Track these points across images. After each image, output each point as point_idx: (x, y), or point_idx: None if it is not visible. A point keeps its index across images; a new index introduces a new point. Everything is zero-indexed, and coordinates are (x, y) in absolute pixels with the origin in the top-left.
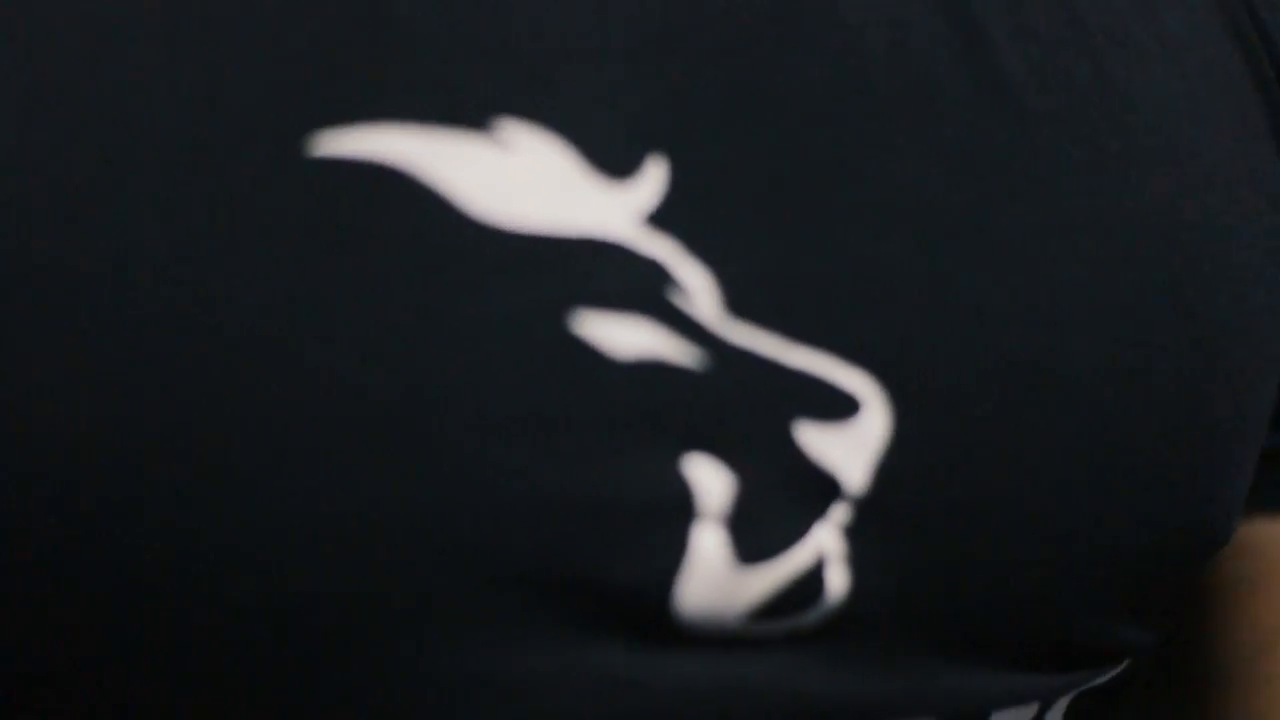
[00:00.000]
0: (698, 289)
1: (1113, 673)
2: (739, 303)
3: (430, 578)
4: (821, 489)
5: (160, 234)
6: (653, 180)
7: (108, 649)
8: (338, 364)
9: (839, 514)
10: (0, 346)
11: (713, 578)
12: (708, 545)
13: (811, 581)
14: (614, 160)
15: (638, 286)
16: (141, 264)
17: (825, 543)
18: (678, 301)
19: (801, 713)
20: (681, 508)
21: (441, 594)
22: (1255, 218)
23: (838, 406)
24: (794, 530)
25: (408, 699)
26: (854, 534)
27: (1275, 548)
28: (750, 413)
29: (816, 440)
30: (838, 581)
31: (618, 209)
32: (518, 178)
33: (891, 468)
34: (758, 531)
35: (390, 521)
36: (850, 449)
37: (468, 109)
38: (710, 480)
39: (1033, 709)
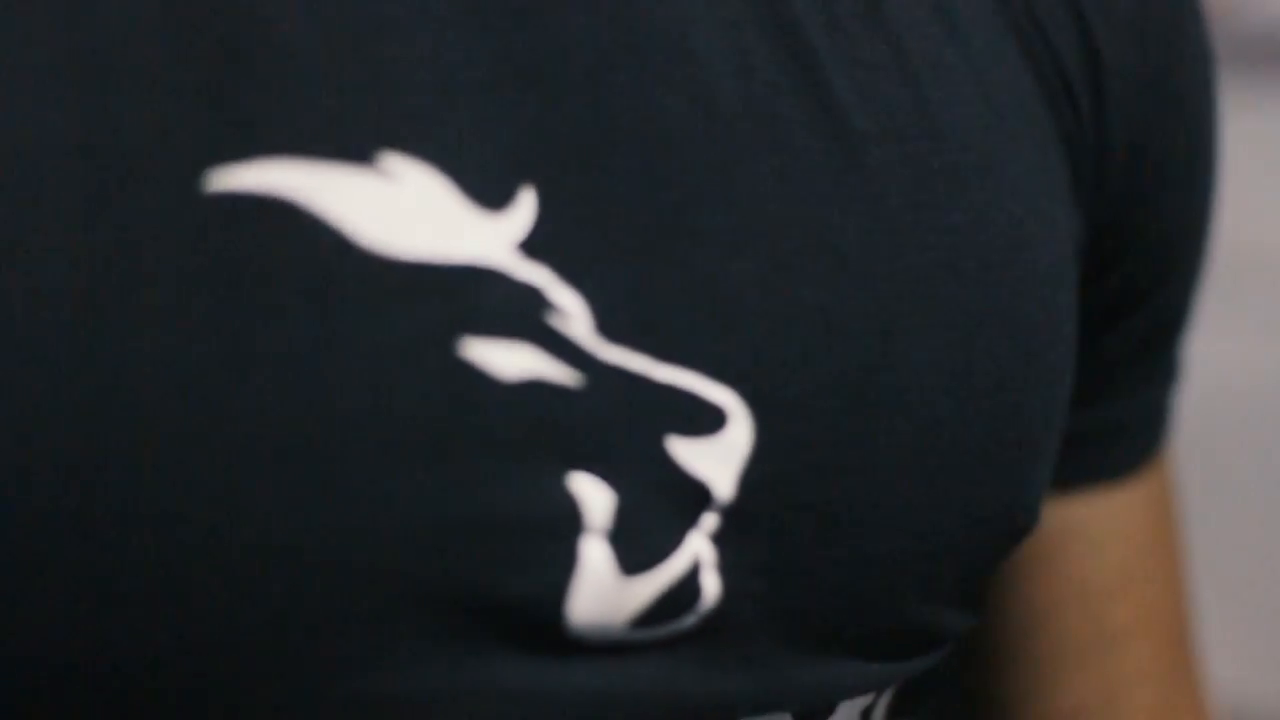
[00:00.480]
0: (573, 312)
1: (937, 658)
2: (607, 326)
3: (328, 601)
4: (694, 499)
5: (61, 276)
6: (525, 210)
7: (13, 683)
8: (238, 393)
9: (709, 522)
10: None
11: (600, 589)
12: (594, 558)
13: (688, 588)
14: (488, 191)
15: (518, 311)
16: (43, 306)
17: (699, 550)
18: (555, 324)
19: (677, 712)
20: (569, 523)
21: (339, 617)
22: (1053, 225)
23: (706, 420)
24: (671, 540)
25: None
26: (722, 540)
27: (1045, 530)
28: (626, 429)
29: (687, 452)
30: (711, 587)
31: (495, 238)
32: (402, 209)
33: (754, 476)
34: (638, 543)
35: (288, 546)
36: (718, 460)
37: (353, 143)
38: (593, 495)
39: (870, 698)
